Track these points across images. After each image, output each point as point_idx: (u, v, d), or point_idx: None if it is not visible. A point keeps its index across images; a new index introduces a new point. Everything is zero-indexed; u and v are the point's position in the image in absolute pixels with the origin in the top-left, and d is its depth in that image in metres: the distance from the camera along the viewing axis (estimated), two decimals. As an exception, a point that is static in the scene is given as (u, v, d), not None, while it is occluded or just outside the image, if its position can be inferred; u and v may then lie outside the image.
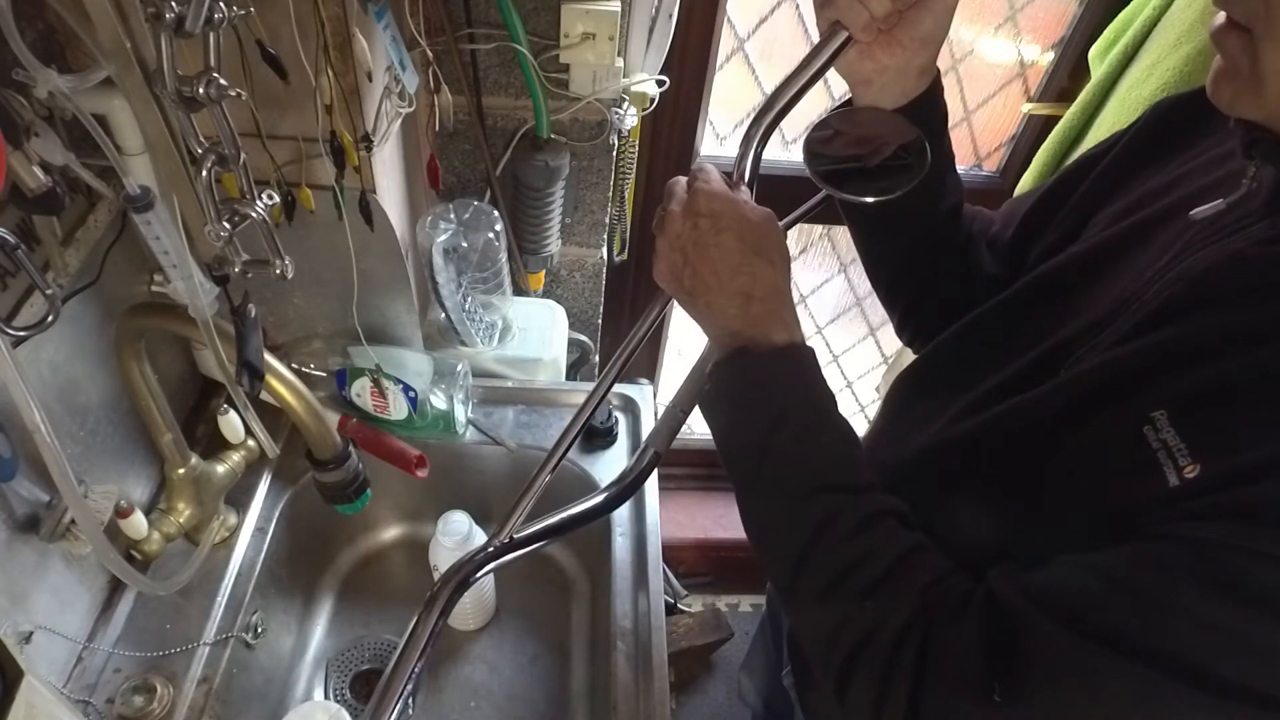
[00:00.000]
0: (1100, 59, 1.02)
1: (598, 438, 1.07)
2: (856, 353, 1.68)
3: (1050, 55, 1.20)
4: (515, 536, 0.66)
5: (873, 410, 1.81)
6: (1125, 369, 0.50)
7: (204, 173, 0.55)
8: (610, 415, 1.08)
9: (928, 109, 0.64)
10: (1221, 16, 0.46)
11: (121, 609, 0.85)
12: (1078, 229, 0.65)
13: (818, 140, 0.65)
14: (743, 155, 0.63)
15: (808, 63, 0.61)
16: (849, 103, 0.68)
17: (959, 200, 0.72)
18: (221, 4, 0.49)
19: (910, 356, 1.45)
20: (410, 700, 1.00)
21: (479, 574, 0.66)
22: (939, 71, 0.64)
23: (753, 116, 0.63)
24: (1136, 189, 0.61)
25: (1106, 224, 0.61)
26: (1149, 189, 0.59)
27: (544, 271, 1.17)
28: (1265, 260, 0.47)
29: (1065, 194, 0.68)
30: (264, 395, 0.74)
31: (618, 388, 1.14)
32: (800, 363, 0.58)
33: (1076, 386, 0.52)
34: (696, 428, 1.83)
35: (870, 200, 0.62)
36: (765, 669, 1.00)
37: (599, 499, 0.69)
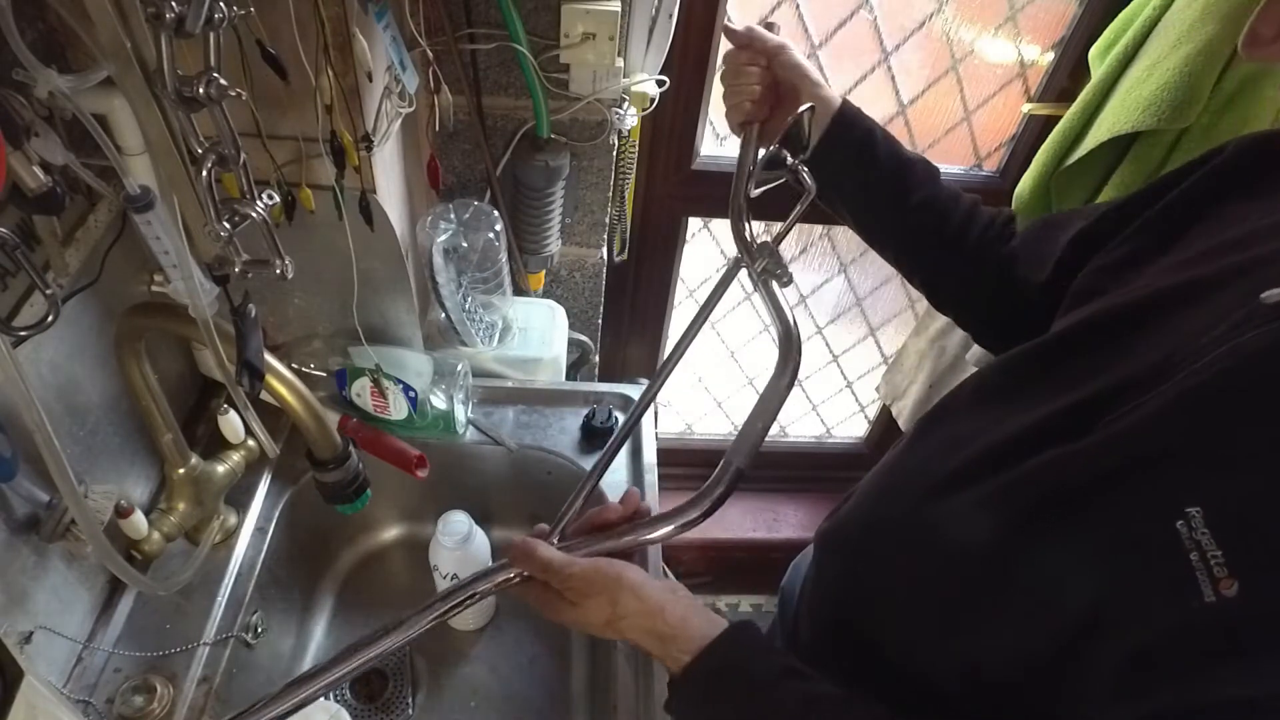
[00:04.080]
0: (1100, 59, 1.02)
1: (597, 438, 1.07)
2: (856, 353, 1.68)
3: (1050, 55, 1.20)
4: (577, 549, 0.66)
5: (873, 410, 1.82)
6: (1165, 445, 0.48)
7: (204, 173, 0.55)
8: (610, 415, 1.08)
9: (847, 127, 0.79)
10: None
11: (121, 609, 0.85)
12: (1146, 250, 0.62)
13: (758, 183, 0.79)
14: (735, 231, 0.78)
15: (742, 158, 0.80)
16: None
17: (924, 196, 0.79)
18: (221, 4, 0.49)
19: (910, 359, 1.43)
20: (411, 700, 1.00)
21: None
22: (843, 99, 0.80)
23: (731, 206, 0.79)
24: (1208, 236, 0.58)
25: (1164, 273, 0.58)
26: (1221, 240, 0.56)
27: (544, 271, 1.17)
28: None
29: (1128, 217, 0.65)
30: (264, 395, 0.74)
31: (617, 388, 1.15)
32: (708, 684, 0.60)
33: (1111, 452, 0.50)
34: (696, 427, 1.84)
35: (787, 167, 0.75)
36: None
37: (678, 521, 0.66)
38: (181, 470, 0.86)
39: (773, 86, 0.81)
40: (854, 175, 0.78)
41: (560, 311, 1.18)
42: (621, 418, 1.11)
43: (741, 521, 1.84)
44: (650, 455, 1.06)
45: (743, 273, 0.77)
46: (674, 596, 0.63)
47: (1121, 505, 0.50)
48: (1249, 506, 0.44)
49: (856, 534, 0.73)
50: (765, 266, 0.75)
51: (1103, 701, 0.50)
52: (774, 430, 1.84)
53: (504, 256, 1.04)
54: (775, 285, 0.76)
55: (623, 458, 1.07)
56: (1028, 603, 0.54)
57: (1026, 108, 1.24)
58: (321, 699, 1.00)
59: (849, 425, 1.86)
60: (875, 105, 1.26)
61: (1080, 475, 0.52)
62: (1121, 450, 0.50)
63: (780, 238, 0.76)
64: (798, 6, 1.15)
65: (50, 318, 0.58)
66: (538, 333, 1.14)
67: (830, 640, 0.74)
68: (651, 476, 1.04)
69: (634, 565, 0.65)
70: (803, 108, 0.73)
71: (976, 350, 1.27)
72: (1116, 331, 0.57)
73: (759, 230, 1.42)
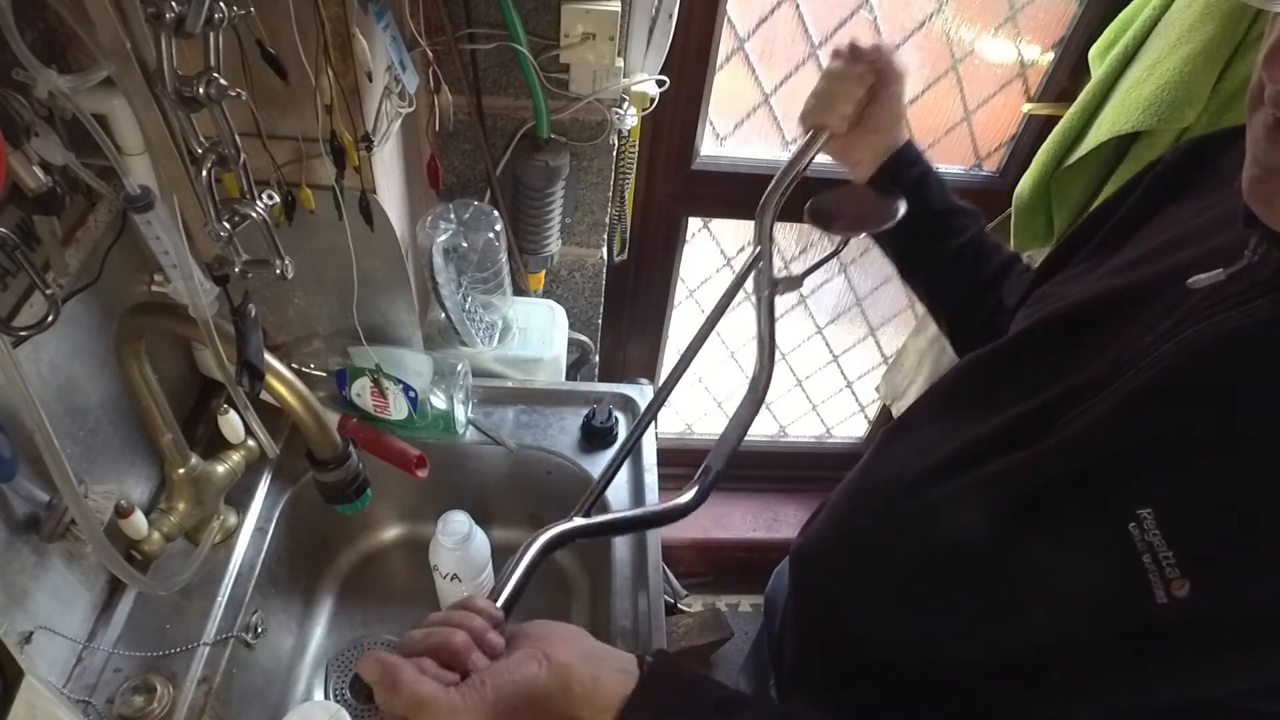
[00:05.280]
0: (1100, 59, 1.02)
1: (597, 437, 1.07)
2: (857, 353, 1.68)
3: (1050, 55, 1.20)
4: (587, 523, 0.64)
5: (873, 410, 1.82)
6: (1116, 446, 0.49)
7: (204, 173, 0.55)
8: (610, 415, 1.08)
9: (904, 165, 0.78)
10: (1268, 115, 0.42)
11: (121, 609, 0.85)
12: (1100, 259, 0.63)
13: (819, 209, 0.78)
14: (759, 225, 0.78)
15: (799, 156, 0.77)
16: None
17: (967, 239, 0.79)
18: (221, 4, 0.49)
19: (910, 359, 1.43)
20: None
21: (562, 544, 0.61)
22: (910, 136, 0.79)
23: (764, 197, 0.77)
24: (1149, 239, 0.59)
25: (1110, 275, 0.59)
26: (1162, 241, 0.57)
27: (544, 271, 1.17)
28: (1268, 349, 0.45)
29: (1087, 235, 0.66)
30: (264, 395, 0.74)
31: (617, 388, 1.15)
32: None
33: (1065, 455, 0.51)
34: (696, 427, 1.84)
35: (848, 236, 0.78)
36: (757, 677, 1.00)
37: (657, 511, 0.69)
38: (181, 470, 0.86)
39: (858, 116, 0.77)
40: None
41: (560, 311, 1.18)
42: (622, 418, 1.11)
43: (741, 521, 1.84)
44: (650, 455, 1.06)
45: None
46: (570, 666, 0.50)
47: (1078, 508, 0.50)
48: (1196, 505, 0.44)
49: (832, 545, 0.74)
50: (782, 285, 0.77)
51: (1067, 702, 0.51)
52: (774, 430, 1.85)
53: (504, 256, 1.04)
54: (775, 299, 0.78)
55: (623, 458, 1.07)
56: (1005, 602, 0.55)
57: (1026, 108, 1.24)
58: (321, 699, 1.00)
59: (849, 425, 1.86)
60: (875, 105, 1.26)
61: (1036, 479, 0.53)
62: (1074, 453, 0.51)
63: (801, 278, 0.78)
64: (798, 6, 1.15)
65: (50, 318, 0.58)
66: (538, 333, 1.14)
67: (818, 656, 0.74)
68: (651, 477, 1.04)
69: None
70: (900, 213, 0.74)
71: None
72: (1068, 333, 0.58)
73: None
